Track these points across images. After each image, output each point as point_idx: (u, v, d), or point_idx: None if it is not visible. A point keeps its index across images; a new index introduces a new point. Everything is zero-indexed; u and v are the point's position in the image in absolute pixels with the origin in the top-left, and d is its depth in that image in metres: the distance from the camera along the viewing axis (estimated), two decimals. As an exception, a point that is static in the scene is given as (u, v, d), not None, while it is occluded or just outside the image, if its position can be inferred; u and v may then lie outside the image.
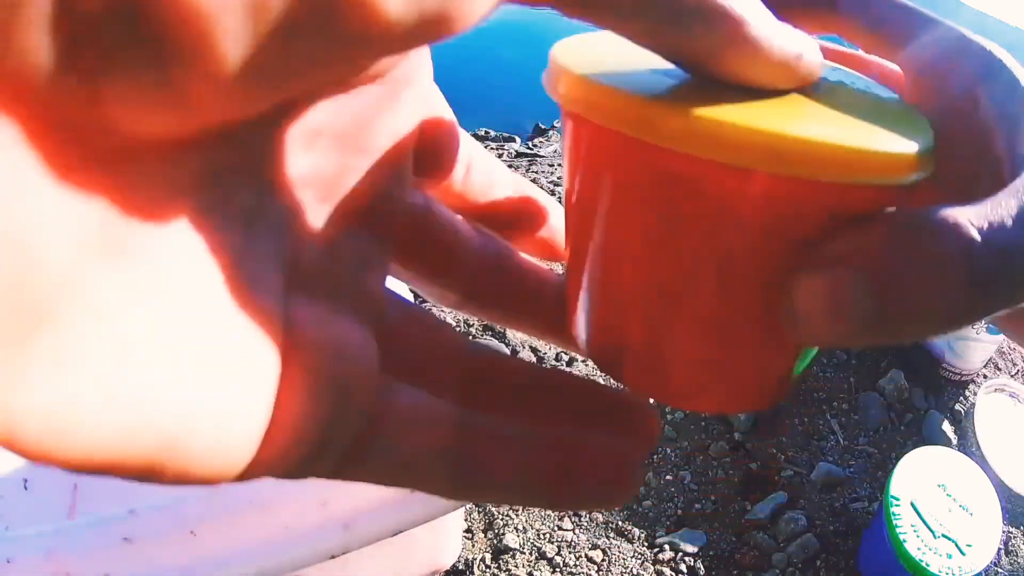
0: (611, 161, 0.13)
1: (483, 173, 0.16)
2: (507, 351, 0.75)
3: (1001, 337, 0.67)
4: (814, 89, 0.15)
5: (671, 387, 0.15)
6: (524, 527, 0.55)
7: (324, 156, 0.11)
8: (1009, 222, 0.10)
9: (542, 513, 0.58)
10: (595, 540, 0.55)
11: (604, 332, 0.15)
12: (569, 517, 0.58)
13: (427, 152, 0.14)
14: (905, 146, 0.13)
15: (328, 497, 0.36)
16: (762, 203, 0.12)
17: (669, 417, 0.66)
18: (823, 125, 0.13)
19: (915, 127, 0.15)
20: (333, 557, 0.35)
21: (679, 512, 0.58)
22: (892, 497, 0.50)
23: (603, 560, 0.53)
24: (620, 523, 0.57)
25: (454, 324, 0.81)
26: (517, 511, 0.58)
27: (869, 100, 0.16)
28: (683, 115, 0.12)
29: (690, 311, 0.14)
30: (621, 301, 0.14)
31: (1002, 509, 0.51)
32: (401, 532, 0.36)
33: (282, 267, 0.10)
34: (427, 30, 0.08)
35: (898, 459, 0.53)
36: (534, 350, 0.76)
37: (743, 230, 0.13)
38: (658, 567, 0.53)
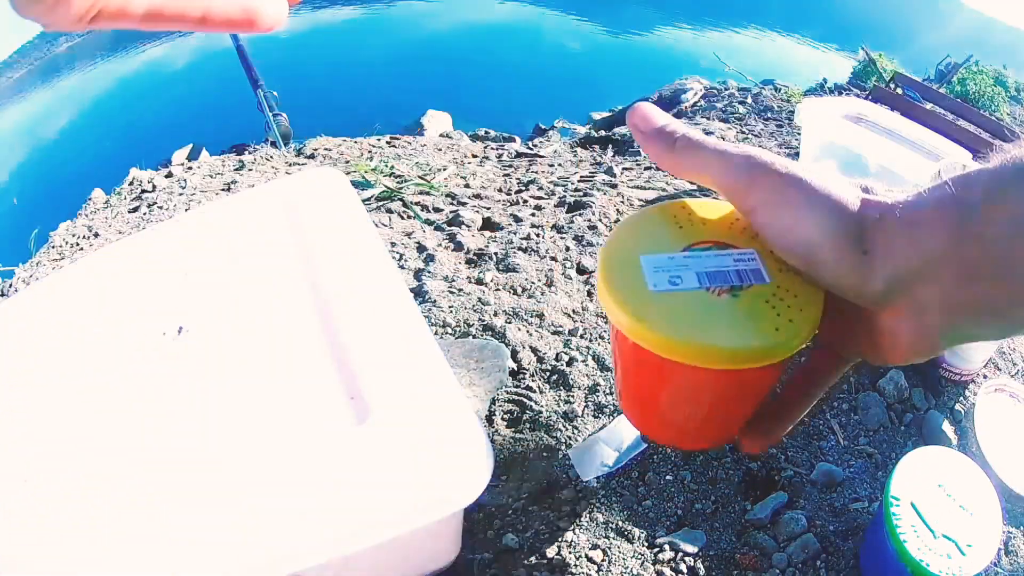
0: (655, 363, 0.33)
1: None
2: (507, 351, 0.75)
3: (1001, 337, 0.67)
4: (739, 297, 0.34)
5: (673, 439, 0.40)
6: (524, 527, 0.55)
7: None
8: None
9: (541, 513, 0.58)
10: (595, 540, 0.55)
11: (641, 413, 0.39)
12: (568, 517, 0.58)
13: None
14: (778, 342, 0.31)
15: (328, 497, 0.36)
16: (733, 378, 0.32)
17: (669, 417, 0.66)
18: (733, 334, 0.32)
19: (801, 321, 0.32)
20: (333, 557, 0.35)
21: (679, 512, 0.58)
22: (892, 497, 0.50)
23: (603, 560, 0.53)
24: (620, 523, 0.57)
25: (454, 324, 0.81)
26: (517, 511, 0.58)
27: (773, 308, 0.33)
28: (678, 344, 0.31)
29: (686, 415, 0.36)
30: (653, 407, 0.38)
31: (1002, 509, 0.51)
32: (401, 532, 0.36)
33: None
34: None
35: (898, 459, 0.53)
36: (534, 350, 0.76)
37: (716, 389, 0.34)
38: (658, 567, 0.53)
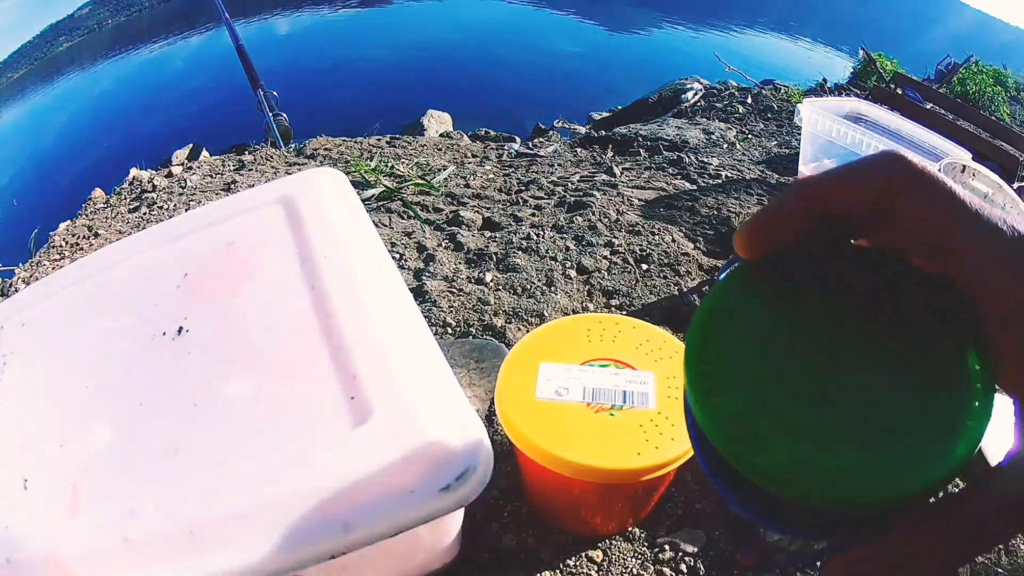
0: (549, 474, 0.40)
1: None
2: (507, 351, 0.75)
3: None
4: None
5: (574, 529, 0.52)
6: (523, 527, 0.55)
7: None
8: None
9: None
10: (595, 540, 0.55)
11: (546, 512, 0.50)
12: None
13: None
14: (634, 463, 0.38)
15: (328, 497, 0.36)
16: (589, 487, 0.40)
17: (669, 417, 0.66)
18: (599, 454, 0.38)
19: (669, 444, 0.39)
20: (333, 557, 0.35)
21: (679, 512, 0.58)
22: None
23: (603, 560, 0.53)
24: (620, 523, 0.57)
25: (454, 323, 0.81)
26: (517, 511, 0.58)
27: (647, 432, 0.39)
28: (577, 465, 0.39)
29: (582, 512, 0.48)
30: (558, 506, 0.47)
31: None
32: (401, 532, 0.36)
33: None
34: None
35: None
36: (534, 350, 0.76)
37: (595, 493, 0.43)
38: (658, 567, 0.53)
